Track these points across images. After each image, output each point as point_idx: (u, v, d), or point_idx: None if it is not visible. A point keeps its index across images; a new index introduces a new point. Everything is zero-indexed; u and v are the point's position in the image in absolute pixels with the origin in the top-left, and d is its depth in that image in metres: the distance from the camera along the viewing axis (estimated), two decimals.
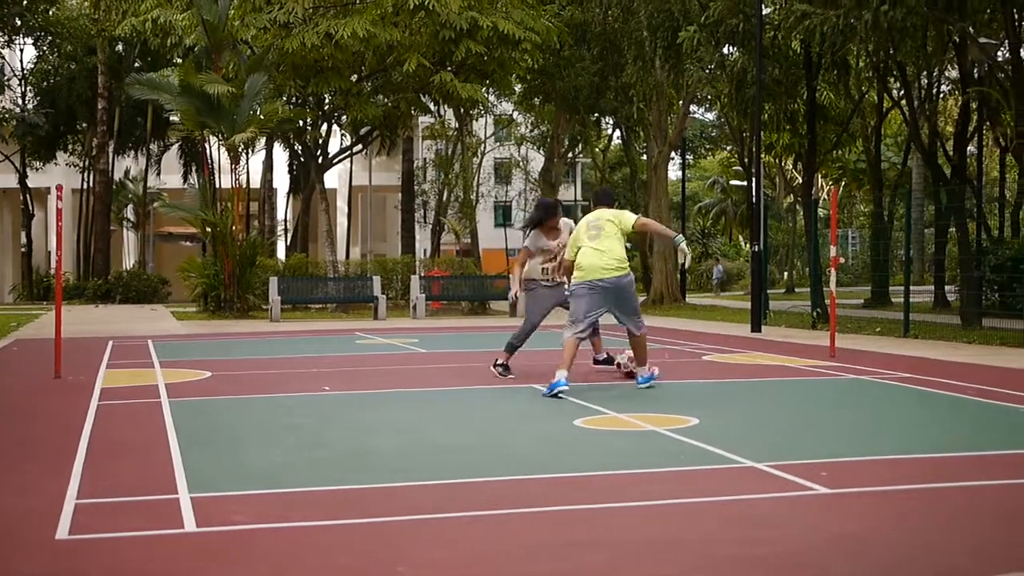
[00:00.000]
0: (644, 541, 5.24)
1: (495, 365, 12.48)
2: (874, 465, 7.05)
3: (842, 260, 17.37)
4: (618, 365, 12.41)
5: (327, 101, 32.58)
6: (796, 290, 44.21)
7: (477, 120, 48.03)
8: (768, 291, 24.73)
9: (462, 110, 36.97)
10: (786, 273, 52.35)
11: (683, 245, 11.50)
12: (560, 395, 10.35)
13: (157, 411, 9.66)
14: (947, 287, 28.49)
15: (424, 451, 7.66)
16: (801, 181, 34.27)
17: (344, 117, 33.26)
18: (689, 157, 58.20)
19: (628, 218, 11.42)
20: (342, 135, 39.20)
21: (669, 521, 5.65)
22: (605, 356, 12.65)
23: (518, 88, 41.23)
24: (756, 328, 20.50)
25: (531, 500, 6.05)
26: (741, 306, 30.53)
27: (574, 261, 11.23)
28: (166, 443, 7.95)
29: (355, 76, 31.40)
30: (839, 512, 5.80)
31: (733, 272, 56.14)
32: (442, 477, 6.69)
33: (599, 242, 11.13)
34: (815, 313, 22.03)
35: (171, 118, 42.96)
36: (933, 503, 6.00)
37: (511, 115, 53.88)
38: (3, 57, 48.44)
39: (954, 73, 29.19)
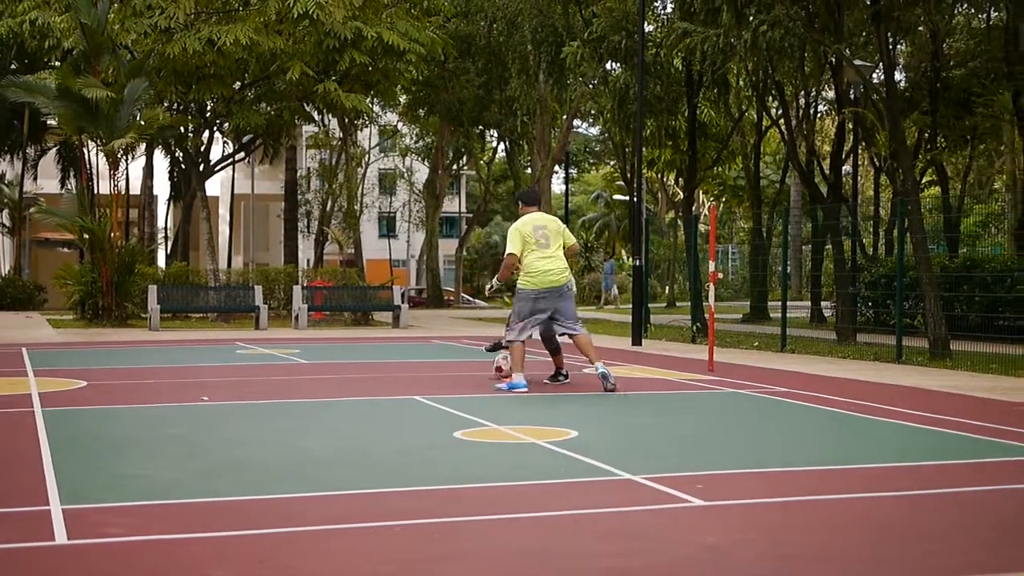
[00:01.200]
0: (513, 553, 5.26)
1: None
2: (749, 478, 7.17)
3: (721, 275, 17.63)
4: (498, 369, 12.92)
5: (209, 108, 32.23)
6: (677, 304, 44.70)
7: (362, 130, 47.90)
8: (649, 305, 24.96)
9: (346, 120, 36.85)
10: (667, 287, 52.89)
11: (572, 286, 12.29)
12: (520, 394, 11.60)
13: (30, 420, 9.47)
14: (823, 303, 29.03)
15: (299, 462, 7.61)
16: (682, 197, 34.67)
17: (226, 124, 32.94)
18: (573, 171, 58.61)
19: (571, 238, 12.39)
20: (224, 142, 38.79)
21: (541, 533, 5.68)
22: (565, 373, 12.94)
23: (403, 99, 41.23)
24: (637, 342, 20.70)
25: (401, 512, 6.03)
26: (622, 319, 30.79)
27: (518, 260, 12.03)
28: (38, 453, 7.80)
29: (238, 83, 31.12)
30: (713, 524, 5.89)
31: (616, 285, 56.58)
32: (315, 489, 6.67)
33: (549, 249, 12.03)
34: (695, 327, 22.31)
35: (49, 122, 42.10)
36: (805, 515, 6.13)
37: (396, 126, 53.82)
38: None
39: (831, 94, 29.74)
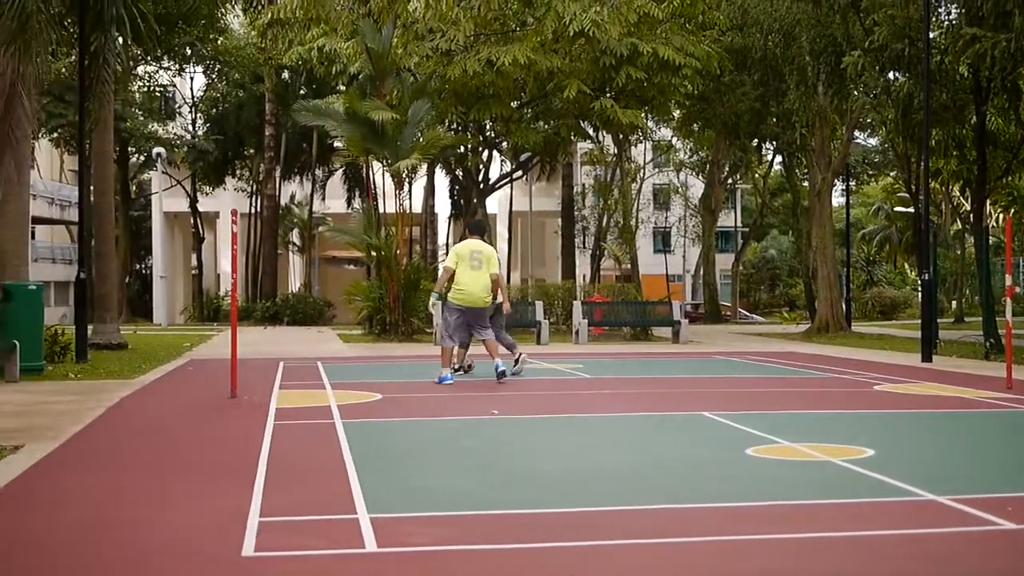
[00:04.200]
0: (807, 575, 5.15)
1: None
2: None
3: (1017, 289, 16.91)
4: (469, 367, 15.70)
5: (488, 127, 32.92)
6: (965, 319, 43.15)
7: (636, 146, 48.05)
8: (937, 320, 24.11)
9: (621, 136, 37.06)
10: (955, 302, 51.11)
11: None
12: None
13: (331, 432, 9.84)
14: None
15: (590, 475, 7.66)
16: (967, 208, 33.46)
17: (505, 143, 33.57)
18: (852, 183, 57.24)
19: (495, 265, 14.86)
20: (502, 161, 39.55)
21: (840, 555, 5.54)
22: (468, 366, 15.70)
23: (677, 114, 41.14)
24: (927, 358, 19.97)
25: (698, 529, 6.01)
26: (908, 335, 29.92)
27: (452, 274, 14.69)
28: (342, 463, 8.09)
29: (516, 102, 31.66)
30: None
31: (899, 300, 55.05)
32: (611, 503, 6.69)
33: (480, 273, 14.47)
34: (988, 343, 21.44)
35: (335, 144, 43.79)
36: None
37: (670, 141, 53.78)
38: (174, 85, 50.01)
39: None
